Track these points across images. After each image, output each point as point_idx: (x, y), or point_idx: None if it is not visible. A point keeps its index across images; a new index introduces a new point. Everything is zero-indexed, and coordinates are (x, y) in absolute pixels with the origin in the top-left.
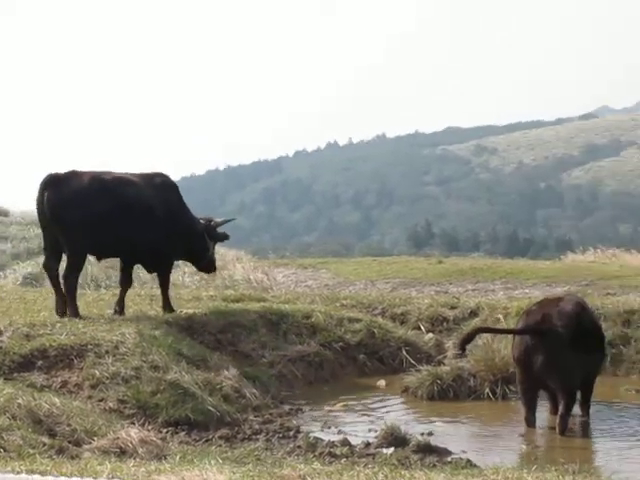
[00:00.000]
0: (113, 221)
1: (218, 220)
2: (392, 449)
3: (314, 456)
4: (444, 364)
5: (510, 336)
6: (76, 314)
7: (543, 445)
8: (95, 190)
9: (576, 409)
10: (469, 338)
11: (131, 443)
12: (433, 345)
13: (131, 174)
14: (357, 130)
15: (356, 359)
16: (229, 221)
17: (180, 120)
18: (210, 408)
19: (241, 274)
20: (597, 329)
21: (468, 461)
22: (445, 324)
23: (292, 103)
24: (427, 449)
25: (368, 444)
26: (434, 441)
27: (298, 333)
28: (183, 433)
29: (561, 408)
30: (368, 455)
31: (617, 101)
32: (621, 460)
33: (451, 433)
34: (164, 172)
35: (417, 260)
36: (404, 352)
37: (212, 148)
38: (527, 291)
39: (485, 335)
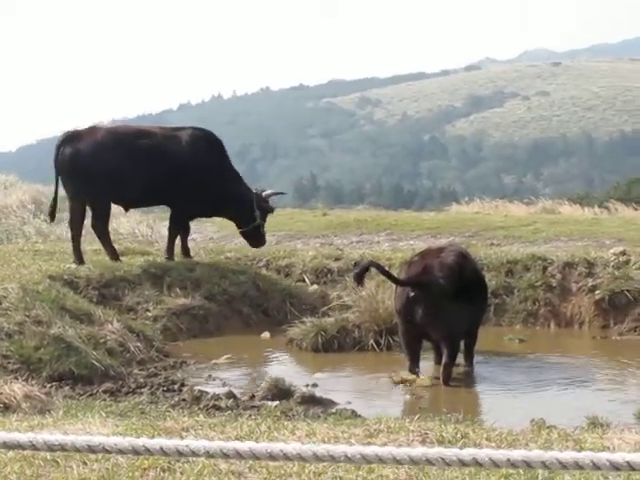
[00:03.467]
0: (129, 172)
1: (268, 192)
2: (277, 401)
3: (198, 409)
4: (329, 316)
5: (394, 288)
6: (115, 256)
7: (427, 395)
8: (113, 142)
9: (460, 359)
10: (363, 271)
11: (15, 398)
12: (318, 297)
13: (161, 127)
14: (242, 83)
15: (241, 312)
16: (280, 194)
17: (63, 74)
18: (94, 362)
19: (126, 228)
20: (479, 279)
21: (352, 412)
22: (329, 276)
23: (175, 55)
24: (311, 400)
25: (253, 396)
26: (318, 392)
27: (182, 286)
28: (67, 387)
29: (444, 358)
30: (253, 407)
31: (500, 53)
32: (504, 409)
33: (336, 384)
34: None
35: (302, 212)
36: (288, 304)
37: (95, 102)
38: (412, 242)
39: (369, 286)
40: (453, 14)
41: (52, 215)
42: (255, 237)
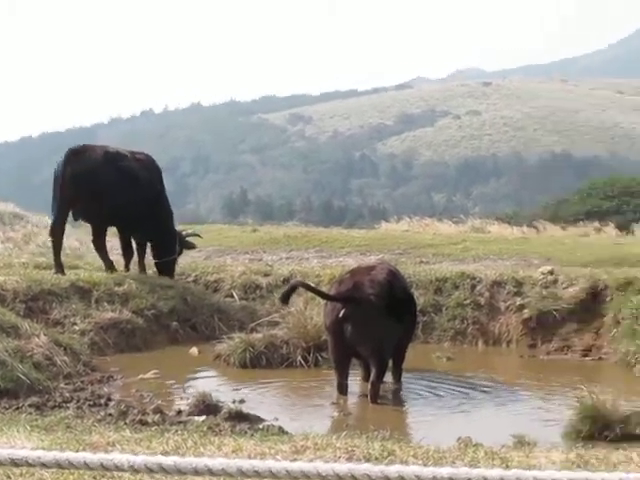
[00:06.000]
0: (119, 190)
1: (189, 231)
2: (204, 417)
3: (125, 424)
4: (257, 331)
5: (324, 304)
6: (111, 268)
7: (355, 412)
8: (109, 162)
9: (388, 376)
10: (290, 291)
11: None
12: (246, 312)
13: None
14: (173, 98)
15: (169, 327)
16: (196, 235)
17: None
18: (20, 376)
19: None
20: (408, 297)
21: (279, 428)
22: (258, 291)
23: (106, 69)
24: (238, 416)
25: (180, 412)
26: (246, 408)
27: (110, 301)
28: None
29: (372, 376)
30: (180, 423)
31: (432, 71)
32: (432, 427)
33: (263, 401)
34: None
35: (232, 228)
36: (217, 319)
37: (25, 114)
38: (341, 259)
39: (298, 302)
40: (385, 33)
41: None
42: (167, 270)
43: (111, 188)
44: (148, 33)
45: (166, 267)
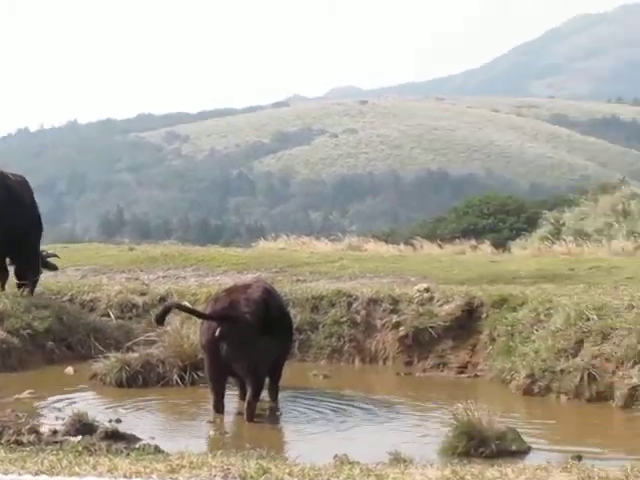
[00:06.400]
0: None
1: (49, 252)
2: (79, 436)
3: (0, 444)
4: (133, 350)
5: (200, 323)
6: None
7: (231, 431)
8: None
9: (265, 395)
10: (165, 312)
11: None
12: (122, 332)
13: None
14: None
15: (44, 346)
16: (55, 256)
17: None
18: None
19: None
20: (285, 315)
21: (155, 447)
22: (135, 310)
23: None
24: (115, 436)
25: (55, 432)
26: (122, 428)
27: None
28: None
29: (249, 394)
30: (55, 442)
31: (309, 90)
32: (308, 445)
33: (140, 420)
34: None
35: (108, 247)
36: (93, 339)
37: None
38: (218, 278)
39: (174, 322)
40: (261, 50)
41: None
42: (29, 292)
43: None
44: (21, 49)
45: (28, 288)
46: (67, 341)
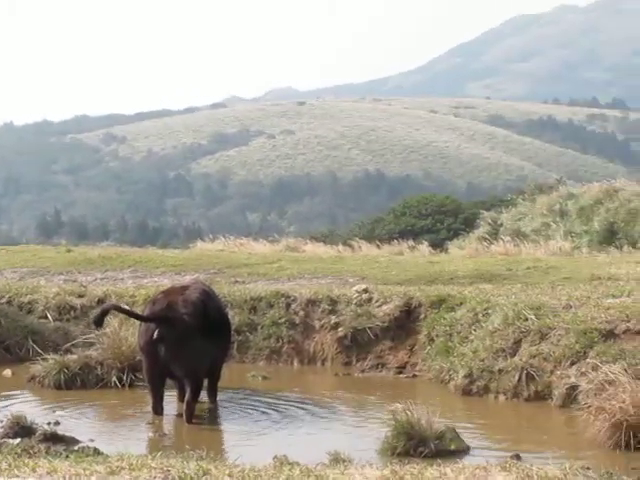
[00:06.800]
0: None
1: None
2: (18, 439)
3: None
4: (72, 352)
5: (138, 325)
6: None
7: (171, 432)
8: None
9: (204, 396)
10: (102, 315)
11: None
12: (60, 334)
13: None
14: None
15: None
16: None
17: None
18: None
19: None
20: (223, 316)
21: (95, 449)
22: (73, 312)
23: None
24: (54, 438)
25: None
26: (61, 430)
27: None
28: None
29: (187, 396)
30: None
31: (246, 91)
32: (248, 446)
33: (79, 422)
34: None
35: (45, 249)
36: (31, 341)
37: None
38: (156, 279)
39: (113, 323)
40: (198, 51)
41: None
42: None
43: None
44: None
45: None
46: (5, 343)
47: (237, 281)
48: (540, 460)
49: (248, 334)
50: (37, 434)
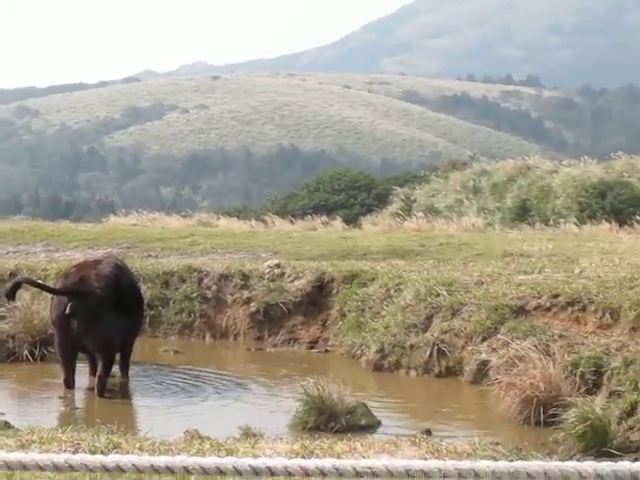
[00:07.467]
0: None
1: None
2: None
3: None
4: None
5: (50, 298)
6: None
7: (82, 406)
8: None
9: (116, 370)
10: (15, 288)
11: None
12: None
13: None
14: None
15: None
16: None
17: None
18: None
19: None
20: (135, 291)
21: (6, 423)
22: None
23: None
24: None
25: None
26: None
27: None
28: None
29: (99, 370)
30: None
31: (160, 65)
32: (159, 420)
33: None
34: None
35: None
36: None
37: None
38: (68, 253)
39: (24, 297)
40: (112, 24)
41: None
42: None
43: None
44: None
45: None
46: None
47: (150, 255)
48: (450, 435)
49: (160, 308)
50: None
